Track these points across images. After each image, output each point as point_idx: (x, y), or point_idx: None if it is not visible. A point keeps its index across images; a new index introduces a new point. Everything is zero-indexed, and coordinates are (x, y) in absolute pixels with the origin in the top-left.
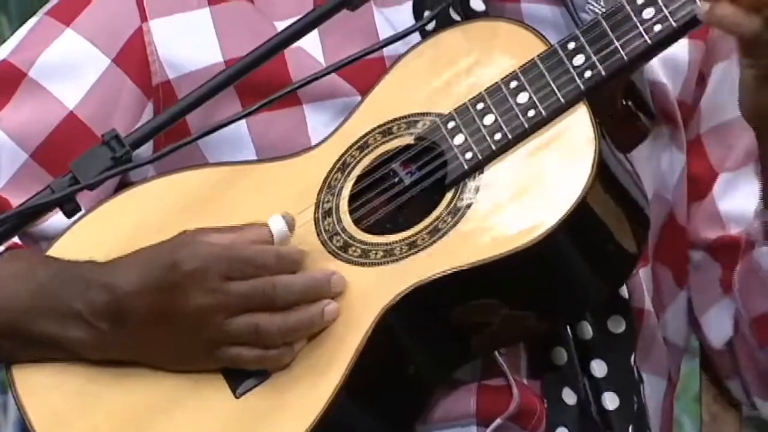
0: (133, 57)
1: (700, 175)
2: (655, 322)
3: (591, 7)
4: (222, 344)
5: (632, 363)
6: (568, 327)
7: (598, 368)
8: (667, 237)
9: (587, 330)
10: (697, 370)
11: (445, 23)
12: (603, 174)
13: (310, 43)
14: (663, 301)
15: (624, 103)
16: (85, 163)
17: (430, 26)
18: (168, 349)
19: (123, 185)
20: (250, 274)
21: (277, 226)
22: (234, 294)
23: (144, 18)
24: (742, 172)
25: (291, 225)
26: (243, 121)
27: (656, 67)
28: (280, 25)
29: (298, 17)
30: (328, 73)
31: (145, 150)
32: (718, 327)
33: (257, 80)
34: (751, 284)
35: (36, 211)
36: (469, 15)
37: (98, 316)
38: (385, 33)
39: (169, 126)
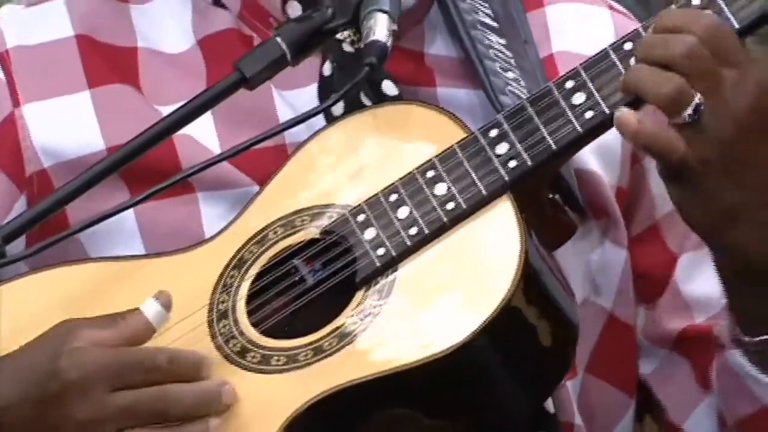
0: (4, 145)
1: (657, 266)
2: None
3: (512, 89)
4: None
5: None
6: None
7: None
8: (607, 345)
9: None
10: None
11: (354, 108)
12: (528, 276)
13: (203, 127)
14: (608, 418)
15: (550, 196)
16: None
17: (338, 112)
18: None
19: None
20: (139, 381)
21: (151, 310)
22: (121, 407)
23: (16, 103)
24: (705, 251)
25: (167, 304)
26: (130, 211)
27: (586, 154)
28: (167, 110)
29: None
30: (222, 160)
31: (17, 245)
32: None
33: (145, 166)
34: (731, 386)
35: None
36: (381, 99)
37: None
38: (285, 117)
39: (45, 218)
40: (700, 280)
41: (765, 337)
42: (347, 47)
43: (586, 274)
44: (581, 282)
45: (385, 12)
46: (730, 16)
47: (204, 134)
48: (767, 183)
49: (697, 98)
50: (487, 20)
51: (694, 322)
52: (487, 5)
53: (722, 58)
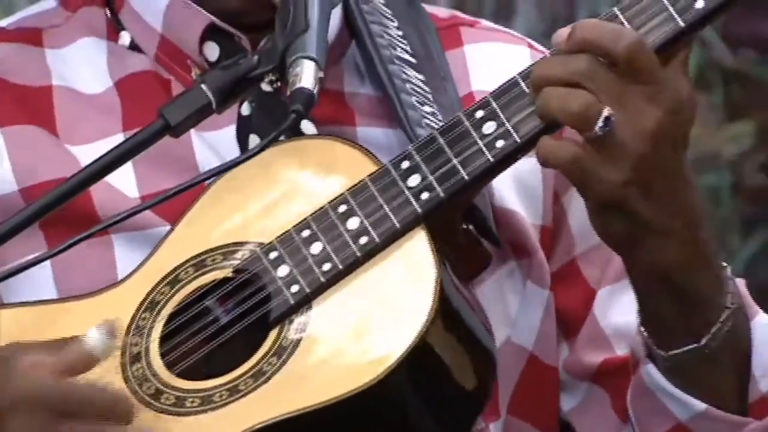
0: None
1: (576, 303)
2: None
3: (428, 122)
4: None
5: None
6: None
7: None
8: (528, 386)
9: None
10: None
11: None
12: (445, 308)
13: (120, 170)
14: None
15: (464, 227)
16: None
17: None
18: None
19: None
20: (80, 414)
21: (92, 341)
22: None
23: None
24: (622, 283)
25: (112, 331)
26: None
27: (506, 193)
28: (83, 149)
29: (104, 139)
30: (144, 209)
31: None
32: None
33: (62, 213)
34: (645, 406)
35: None
36: None
37: None
38: (204, 158)
39: None
40: (618, 313)
41: (678, 351)
42: (266, 87)
43: (507, 315)
44: (503, 322)
45: (312, 59)
46: (647, 32)
47: (121, 175)
48: (680, 196)
49: (606, 111)
50: (405, 56)
51: (614, 354)
52: (405, 42)
53: (636, 72)
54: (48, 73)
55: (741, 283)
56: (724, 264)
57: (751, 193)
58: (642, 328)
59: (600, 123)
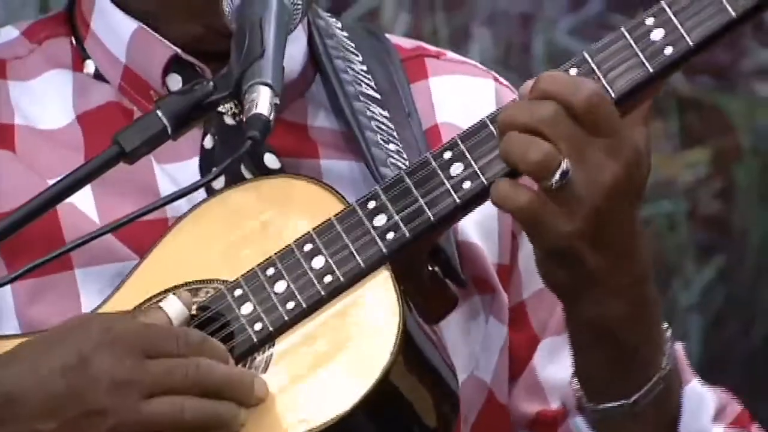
0: None
1: (521, 346)
2: None
3: (393, 161)
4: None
5: None
6: None
7: None
8: (487, 422)
9: None
10: None
11: (235, 181)
12: (407, 350)
13: (83, 201)
14: None
15: (430, 268)
16: None
17: (219, 185)
18: None
19: None
20: (172, 352)
21: (173, 308)
22: (154, 372)
23: None
24: (564, 336)
25: (188, 303)
26: (7, 289)
27: (468, 227)
28: (48, 183)
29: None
30: (101, 234)
31: None
32: None
33: (25, 240)
34: None
35: None
36: (263, 173)
37: None
38: (167, 192)
39: None
40: (558, 367)
41: (607, 405)
42: (228, 120)
43: (471, 350)
44: (467, 356)
45: (267, 85)
46: (606, 85)
47: (82, 206)
48: (630, 251)
49: (565, 164)
50: (370, 92)
51: (549, 407)
52: (370, 77)
53: (596, 125)
54: (11, 111)
55: (679, 347)
56: (666, 325)
57: (706, 220)
58: (574, 379)
59: (557, 176)
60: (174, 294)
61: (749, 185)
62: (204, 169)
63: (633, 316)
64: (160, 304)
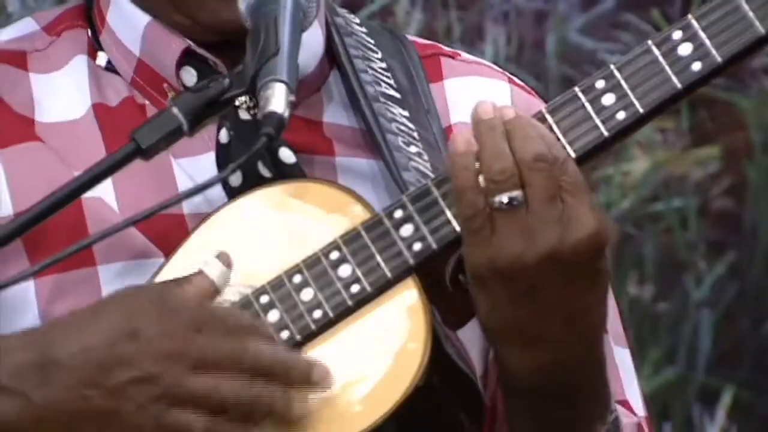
0: None
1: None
2: None
3: (414, 165)
4: (174, 404)
5: None
6: None
7: None
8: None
9: None
10: None
11: (252, 176)
12: (435, 359)
13: (105, 196)
14: None
15: (454, 277)
16: None
17: (236, 182)
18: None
19: None
20: (220, 330)
21: (215, 270)
22: (202, 346)
23: None
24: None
25: (227, 262)
26: (30, 283)
27: None
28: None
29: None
30: (122, 228)
31: None
32: None
33: (50, 234)
34: None
35: None
36: (278, 167)
37: (20, 376)
38: (184, 185)
39: None
40: None
41: None
42: (244, 114)
43: (483, 348)
44: (480, 356)
45: (282, 82)
46: (566, 145)
47: (107, 201)
48: (553, 307)
49: (518, 193)
50: (390, 91)
51: None
52: (389, 75)
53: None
54: (33, 103)
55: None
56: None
57: (718, 216)
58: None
59: (505, 198)
60: (214, 256)
61: (760, 182)
62: (221, 163)
63: (561, 369)
64: (201, 267)
